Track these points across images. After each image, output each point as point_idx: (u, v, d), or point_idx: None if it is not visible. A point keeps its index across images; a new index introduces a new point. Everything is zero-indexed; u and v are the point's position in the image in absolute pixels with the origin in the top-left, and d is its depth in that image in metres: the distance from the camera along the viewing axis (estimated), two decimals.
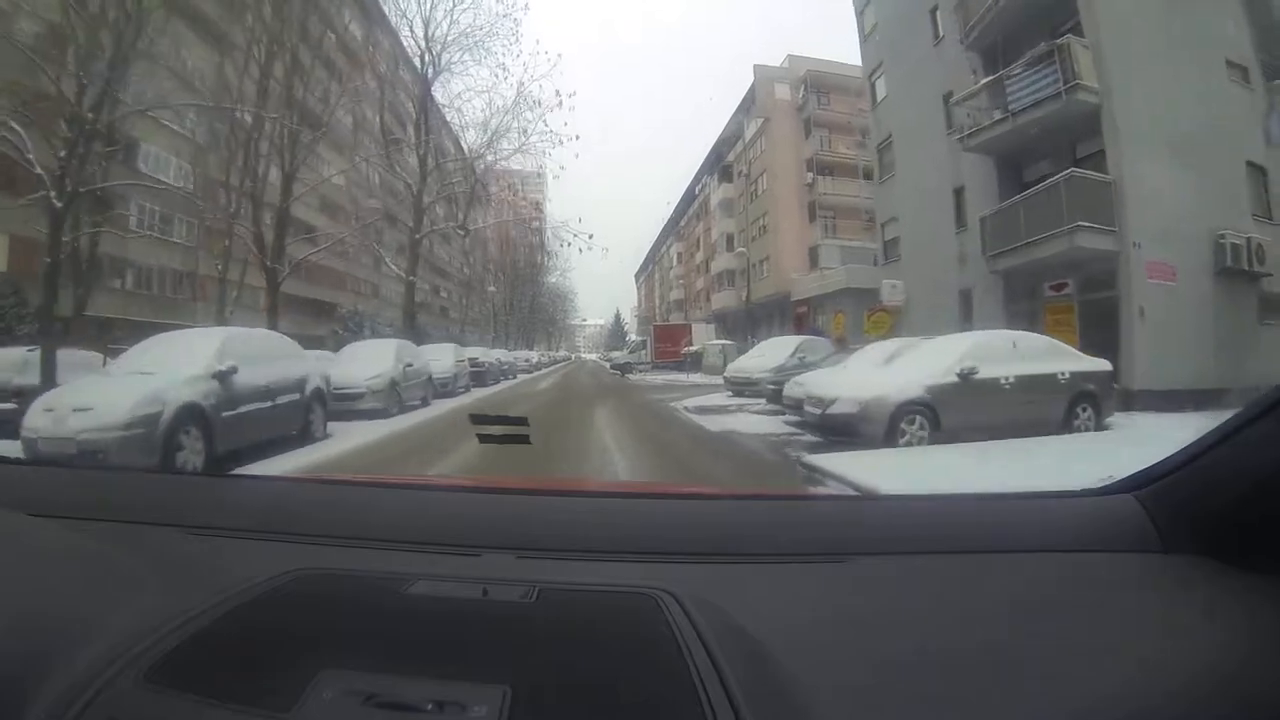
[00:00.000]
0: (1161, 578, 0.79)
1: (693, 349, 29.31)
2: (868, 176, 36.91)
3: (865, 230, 35.66)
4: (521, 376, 27.63)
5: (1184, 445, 0.85)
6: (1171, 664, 0.61)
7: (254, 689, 0.57)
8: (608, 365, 40.26)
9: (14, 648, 0.58)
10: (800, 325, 34.41)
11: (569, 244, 23.01)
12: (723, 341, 28.13)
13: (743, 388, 14.25)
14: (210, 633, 0.66)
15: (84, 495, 1.07)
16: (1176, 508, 0.83)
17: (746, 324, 37.10)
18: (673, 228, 65.47)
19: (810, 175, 35.04)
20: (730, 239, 42.53)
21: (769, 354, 15.12)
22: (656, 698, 0.57)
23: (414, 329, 22.54)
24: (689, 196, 56.63)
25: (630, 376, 28.85)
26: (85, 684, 0.57)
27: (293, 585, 0.77)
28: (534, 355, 36.69)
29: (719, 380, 23.66)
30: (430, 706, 0.54)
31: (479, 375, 18.72)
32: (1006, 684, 0.60)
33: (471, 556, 0.88)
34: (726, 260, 42.37)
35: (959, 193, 16.70)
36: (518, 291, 48.72)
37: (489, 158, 23.29)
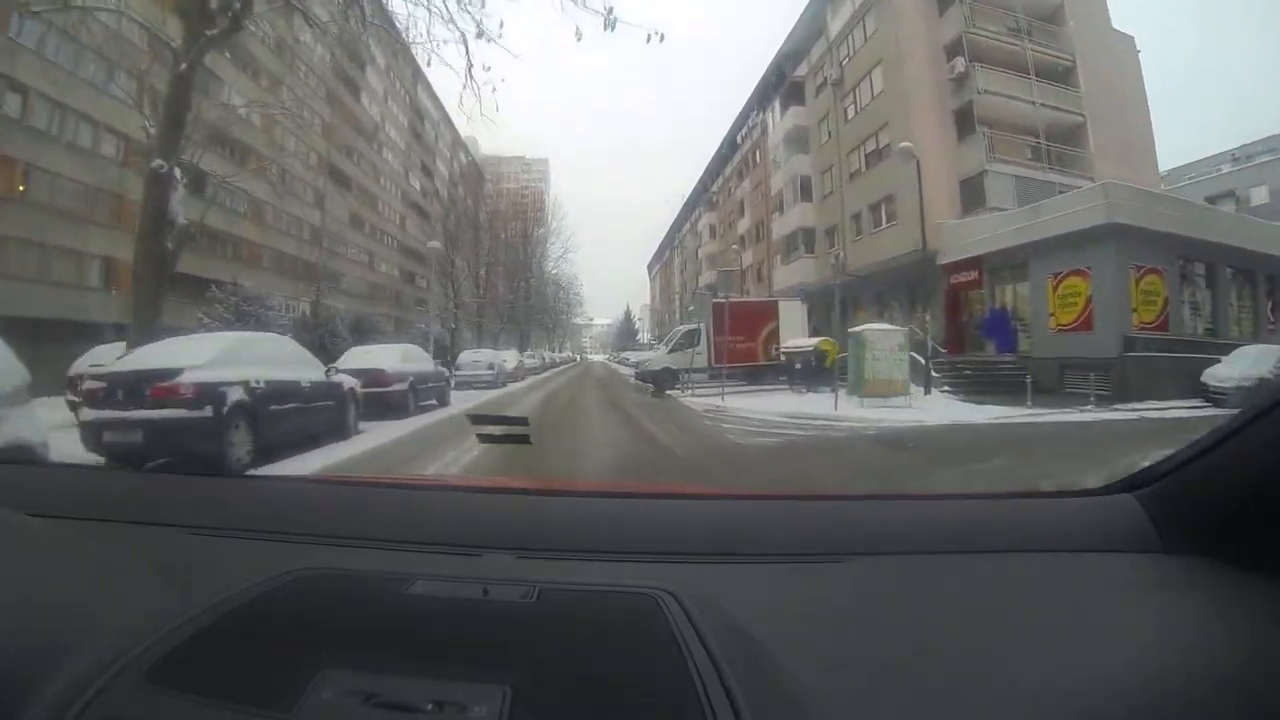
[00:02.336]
0: (1161, 578, 0.79)
1: (798, 347, 15.54)
2: (1044, 75, 23.72)
3: (1041, 158, 22.32)
4: (462, 401, 14.11)
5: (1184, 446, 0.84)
6: (1171, 664, 0.61)
7: (254, 689, 0.57)
8: (630, 373, 26.03)
9: (14, 648, 0.58)
10: (957, 303, 20.93)
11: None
12: (888, 327, 13.66)
13: None
14: (210, 633, 0.66)
15: (84, 495, 1.09)
16: (1176, 508, 0.83)
17: (874, 304, 23.36)
18: (700, 195, 51.88)
19: (961, 62, 21.40)
20: (805, 184, 28.81)
21: None
22: (656, 698, 0.57)
23: (153, 304, 9.04)
24: (729, 145, 43.02)
25: (686, 399, 14.93)
26: (85, 684, 0.57)
27: (293, 585, 0.77)
28: (509, 359, 21.99)
29: (902, 417, 9.63)
30: (430, 706, 0.54)
31: (204, 429, 5.39)
32: (1006, 684, 0.59)
33: (471, 556, 0.87)
34: (801, 214, 28.65)
35: None
36: (494, 263, 35.13)
37: None
